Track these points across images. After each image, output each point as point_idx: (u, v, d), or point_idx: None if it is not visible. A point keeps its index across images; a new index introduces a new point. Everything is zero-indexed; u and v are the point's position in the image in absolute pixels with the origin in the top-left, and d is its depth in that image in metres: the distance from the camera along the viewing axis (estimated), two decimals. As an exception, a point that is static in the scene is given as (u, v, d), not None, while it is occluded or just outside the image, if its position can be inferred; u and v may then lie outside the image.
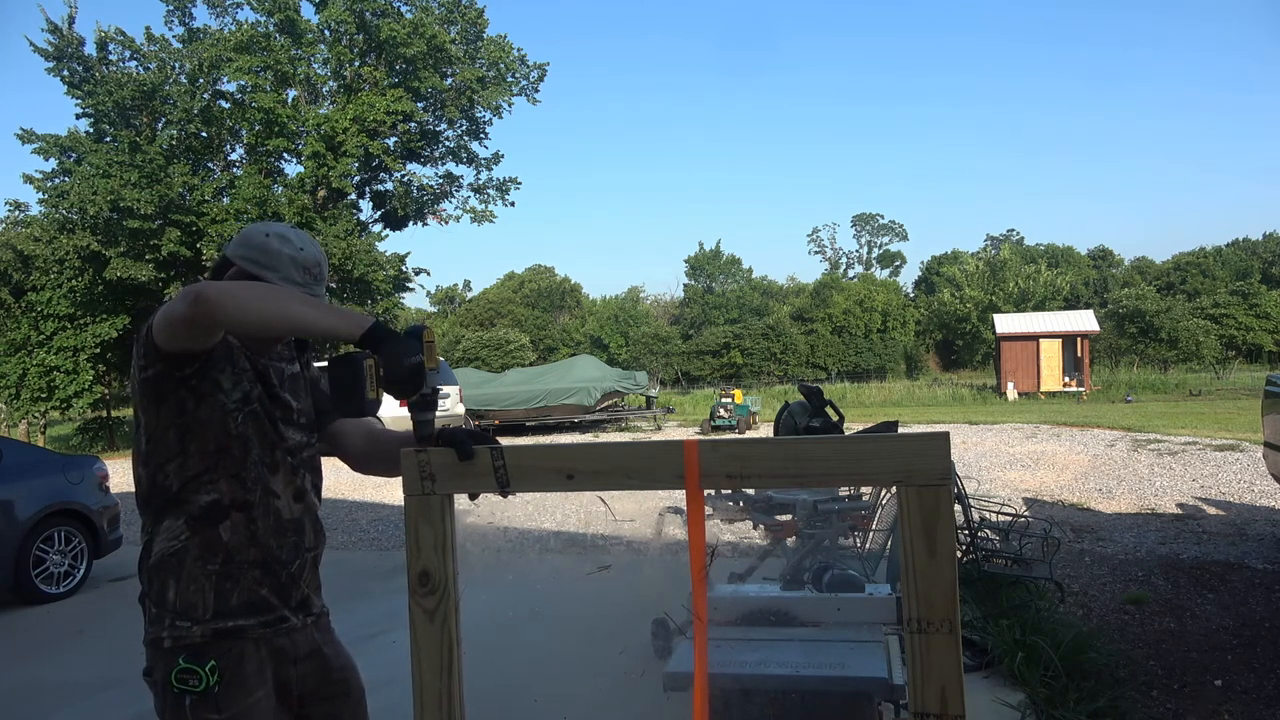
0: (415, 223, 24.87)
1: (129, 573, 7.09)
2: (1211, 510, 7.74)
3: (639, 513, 7.04)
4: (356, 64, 22.62)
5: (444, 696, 1.24)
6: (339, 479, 12.50)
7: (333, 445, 1.91)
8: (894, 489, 1.32)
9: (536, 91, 24.80)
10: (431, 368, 1.47)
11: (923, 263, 60.55)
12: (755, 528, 4.18)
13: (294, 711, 1.74)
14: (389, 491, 10.85)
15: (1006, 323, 28.59)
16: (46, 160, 21.11)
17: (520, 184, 26.10)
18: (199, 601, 1.61)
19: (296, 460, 1.77)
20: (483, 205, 25.41)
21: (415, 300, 61.54)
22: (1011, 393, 25.79)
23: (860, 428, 4.36)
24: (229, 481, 1.64)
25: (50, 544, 6.33)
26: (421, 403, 1.47)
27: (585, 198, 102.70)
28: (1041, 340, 26.15)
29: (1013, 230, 63.29)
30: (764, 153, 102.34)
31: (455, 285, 60.36)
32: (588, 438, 18.92)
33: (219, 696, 1.57)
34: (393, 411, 17.98)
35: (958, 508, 4.92)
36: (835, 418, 4.11)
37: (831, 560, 3.57)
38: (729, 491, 3.88)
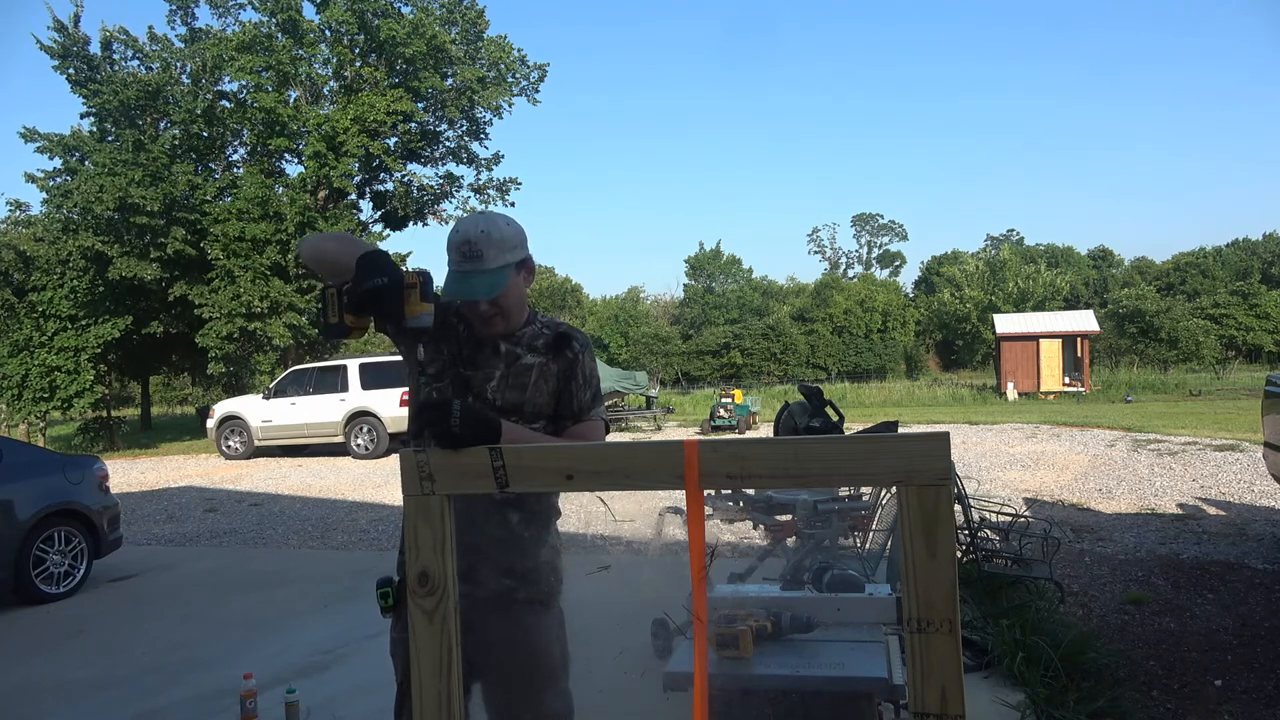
0: (415, 223, 24.81)
1: (129, 573, 7.10)
2: (1211, 510, 7.74)
3: (639, 513, 7.04)
4: (357, 64, 22.60)
5: (443, 697, 1.24)
6: (339, 480, 12.50)
7: None
8: (894, 489, 1.32)
9: (537, 92, 24.79)
10: (414, 313, 1.68)
11: (923, 263, 60.59)
12: (755, 528, 4.19)
13: None
14: (389, 492, 10.86)
15: (1006, 323, 28.60)
16: (50, 159, 21.11)
17: (520, 184, 26.10)
18: None
19: None
20: (483, 205, 25.40)
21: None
22: (1011, 393, 25.79)
23: (860, 428, 4.36)
24: None
25: (50, 544, 6.33)
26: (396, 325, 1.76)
27: (585, 198, 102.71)
28: (1041, 340, 26.16)
29: (1013, 230, 63.32)
30: (764, 152, 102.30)
31: (455, 285, 60.31)
32: (588, 438, 18.85)
33: None
34: (391, 412, 17.72)
35: (958, 508, 4.92)
36: (835, 418, 4.12)
37: (831, 560, 3.57)
38: (729, 491, 3.88)
